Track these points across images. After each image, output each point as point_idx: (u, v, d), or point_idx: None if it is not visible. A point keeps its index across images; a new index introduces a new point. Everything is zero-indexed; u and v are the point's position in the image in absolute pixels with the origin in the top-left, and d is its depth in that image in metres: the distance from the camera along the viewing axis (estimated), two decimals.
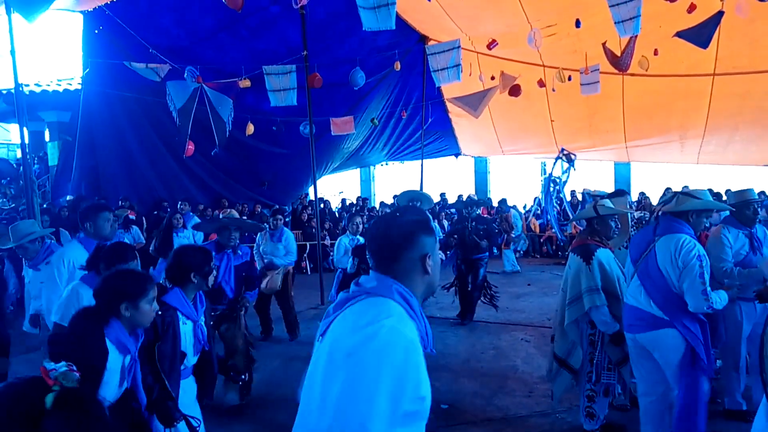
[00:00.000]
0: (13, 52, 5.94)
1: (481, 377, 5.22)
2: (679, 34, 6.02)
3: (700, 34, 5.86)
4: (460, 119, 12.96)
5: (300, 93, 8.72)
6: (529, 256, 13.81)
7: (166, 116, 9.44)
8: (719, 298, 3.18)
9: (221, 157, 10.85)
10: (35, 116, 12.72)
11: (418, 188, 10.68)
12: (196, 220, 8.80)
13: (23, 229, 4.43)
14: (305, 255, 11.93)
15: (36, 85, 12.75)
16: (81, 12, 9.17)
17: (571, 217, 11.13)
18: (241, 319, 4.78)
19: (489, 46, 9.06)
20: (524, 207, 15.61)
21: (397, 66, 9.61)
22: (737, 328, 4.04)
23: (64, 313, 2.84)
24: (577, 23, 7.47)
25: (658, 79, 9.19)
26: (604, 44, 7.08)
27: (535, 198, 14.99)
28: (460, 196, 15.77)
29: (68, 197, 10.78)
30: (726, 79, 8.98)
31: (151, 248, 7.60)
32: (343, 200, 17.21)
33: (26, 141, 6.54)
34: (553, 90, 9.43)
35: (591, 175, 15.26)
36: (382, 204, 16.50)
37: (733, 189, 4.28)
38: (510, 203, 13.91)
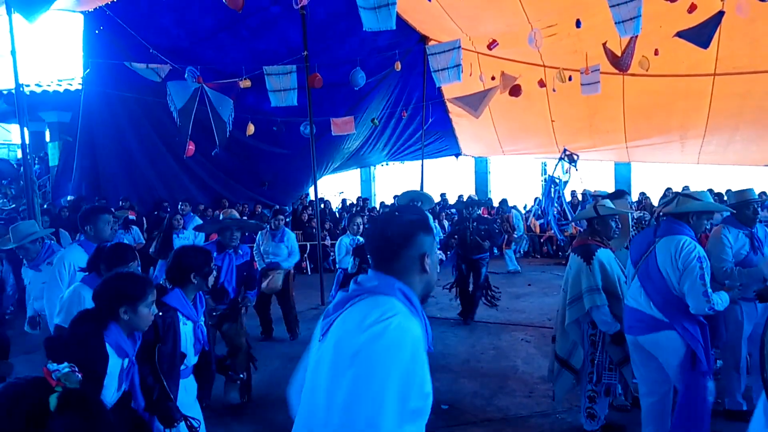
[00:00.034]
0: (13, 53, 5.94)
1: (481, 377, 5.22)
2: (679, 34, 6.01)
3: (701, 34, 5.85)
4: (460, 119, 12.96)
5: (300, 93, 8.73)
6: (529, 256, 13.81)
7: (166, 116, 9.44)
8: (720, 300, 3.17)
9: (222, 158, 10.86)
10: (36, 116, 12.74)
11: (419, 188, 10.68)
12: (198, 221, 8.80)
13: (24, 230, 4.43)
14: (305, 255, 11.93)
15: (36, 85, 12.76)
16: (81, 12, 9.18)
17: (570, 217, 11.13)
18: (242, 318, 4.80)
19: (489, 47, 9.06)
20: (524, 207, 15.61)
21: (398, 66, 9.61)
22: (738, 328, 4.04)
23: (66, 314, 2.84)
24: (578, 23, 7.47)
25: (659, 79, 9.19)
26: (604, 44, 7.08)
27: (536, 198, 14.99)
28: (460, 197, 15.77)
29: (69, 197, 10.79)
30: (726, 79, 8.98)
31: (151, 250, 7.60)
32: (344, 200, 17.21)
33: (27, 141, 6.55)
34: (554, 90, 9.43)
35: (591, 175, 15.26)
36: (382, 204, 16.51)
37: (734, 189, 4.28)
38: (510, 203, 13.92)
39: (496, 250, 8.64)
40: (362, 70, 9.19)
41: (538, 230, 14.15)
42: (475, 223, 7.43)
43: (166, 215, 9.37)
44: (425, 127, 11.18)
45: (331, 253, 12.34)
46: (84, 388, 1.22)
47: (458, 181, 18.35)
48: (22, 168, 7.39)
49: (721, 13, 5.70)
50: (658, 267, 3.30)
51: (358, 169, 18.38)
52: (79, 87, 10.75)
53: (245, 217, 9.81)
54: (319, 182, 9.64)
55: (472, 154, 16.33)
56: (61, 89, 12.80)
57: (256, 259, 6.59)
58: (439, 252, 7.70)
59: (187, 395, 2.88)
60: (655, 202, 11.90)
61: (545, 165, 14.73)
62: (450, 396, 4.72)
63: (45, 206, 10.10)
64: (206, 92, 9.21)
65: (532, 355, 5.85)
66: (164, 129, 10.18)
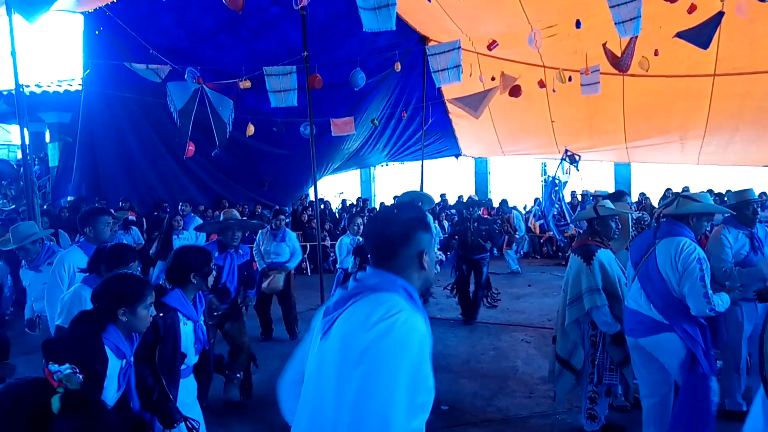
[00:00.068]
0: (13, 53, 5.93)
1: (481, 378, 5.22)
2: (679, 35, 6.01)
3: (701, 35, 5.85)
4: (460, 120, 12.95)
5: (300, 94, 8.72)
6: (529, 257, 13.81)
7: (166, 117, 9.43)
8: (721, 301, 3.17)
9: (222, 158, 10.85)
10: (36, 117, 12.75)
11: (419, 189, 10.68)
12: (198, 221, 8.81)
13: (24, 231, 4.43)
14: (305, 256, 11.92)
15: (36, 86, 12.77)
16: (81, 13, 9.18)
17: (568, 218, 11.13)
18: (243, 317, 4.82)
19: (489, 47, 9.06)
20: (524, 208, 15.61)
21: (398, 67, 9.61)
22: (738, 329, 4.04)
23: (67, 315, 2.85)
24: (578, 24, 7.46)
25: (659, 79, 9.19)
26: (604, 45, 7.08)
27: (536, 199, 15.00)
28: (460, 197, 15.77)
29: (69, 198, 10.79)
30: (726, 80, 8.97)
31: (151, 251, 7.60)
32: (344, 201, 17.21)
33: (27, 142, 6.54)
34: (554, 91, 9.43)
35: (591, 175, 15.26)
36: (382, 205, 16.50)
37: (734, 190, 4.29)
38: (510, 204, 13.93)
39: (495, 251, 8.65)
40: (362, 70, 9.18)
41: (537, 231, 14.15)
42: (475, 224, 7.43)
43: (165, 216, 9.37)
44: (425, 127, 11.17)
45: (331, 254, 12.34)
46: (87, 390, 1.22)
47: (458, 181, 18.36)
48: (22, 169, 7.39)
49: (720, 14, 5.70)
50: (658, 269, 3.30)
51: (358, 170, 18.38)
52: (79, 88, 10.75)
53: (245, 218, 9.80)
54: (319, 183, 9.62)
55: (472, 155, 16.32)
56: (61, 90, 12.80)
57: (255, 259, 6.59)
58: (438, 252, 7.71)
59: (188, 395, 2.88)
60: (655, 203, 11.91)
61: (545, 165, 14.73)
62: (450, 396, 4.72)
63: (45, 207, 10.09)
64: (206, 93, 9.20)
65: (532, 356, 5.85)
66: (164, 130, 10.18)
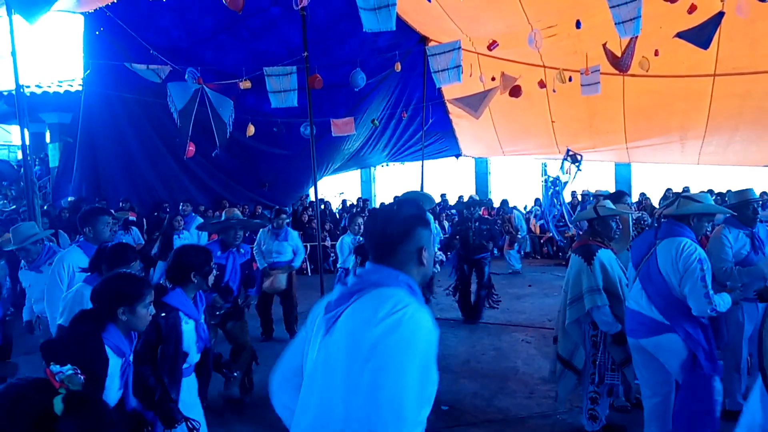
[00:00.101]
0: (14, 54, 5.93)
1: (481, 378, 5.22)
2: (679, 35, 6.01)
3: (701, 35, 5.85)
4: (460, 120, 12.95)
5: (300, 94, 8.71)
6: (529, 257, 13.81)
7: (166, 117, 9.44)
8: (722, 301, 3.17)
9: (222, 159, 10.85)
10: (36, 117, 12.75)
11: (419, 189, 10.67)
12: (200, 220, 8.83)
13: (24, 231, 4.42)
14: (305, 256, 11.92)
15: (37, 86, 12.78)
16: (82, 13, 9.18)
17: (568, 220, 11.13)
18: (245, 317, 4.83)
19: (489, 47, 9.06)
20: (524, 208, 15.61)
21: (398, 67, 9.61)
22: (739, 329, 4.04)
23: (69, 315, 2.85)
24: (578, 24, 7.46)
25: (659, 79, 9.19)
26: (604, 45, 7.08)
27: (536, 199, 14.99)
28: (460, 197, 15.77)
29: (69, 198, 10.79)
30: (726, 80, 8.97)
31: (153, 251, 7.60)
32: (344, 201, 17.20)
33: (27, 142, 6.54)
34: (554, 91, 9.43)
35: (592, 175, 15.25)
36: (382, 205, 16.49)
37: (734, 190, 4.29)
38: (511, 204, 13.93)
39: (496, 251, 8.65)
40: (362, 71, 9.19)
41: (538, 231, 14.15)
42: (477, 223, 7.44)
43: (165, 216, 9.38)
44: (425, 127, 11.17)
45: (332, 254, 12.33)
46: (89, 390, 1.22)
47: (458, 181, 18.35)
48: (22, 169, 7.39)
49: (721, 14, 5.70)
50: (659, 269, 3.30)
51: (359, 170, 18.37)
52: (80, 88, 10.75)
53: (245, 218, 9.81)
54: (319, 183, 9.62)
55: (473, 155, 16.32)
56: (61, 90, 12.81)
57: (256, 258, 6.60)
58: (439, 252, 7.71)
59: (190, 394, 2.89)
60: (656, 203, 11.91)
61: (545, 166, 14.71)
62: (450, 397, 4.72)
63: (45, 207, 10.10)
64: (206, 93, 9.20)
65: (532, 356, 5.85)
66: (164, 130, 10.18)
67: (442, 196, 16.30)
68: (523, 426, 4.25)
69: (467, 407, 4.57)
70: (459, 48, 8.63)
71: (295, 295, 6.73)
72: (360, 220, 6.61)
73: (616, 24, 6.06)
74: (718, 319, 3.68)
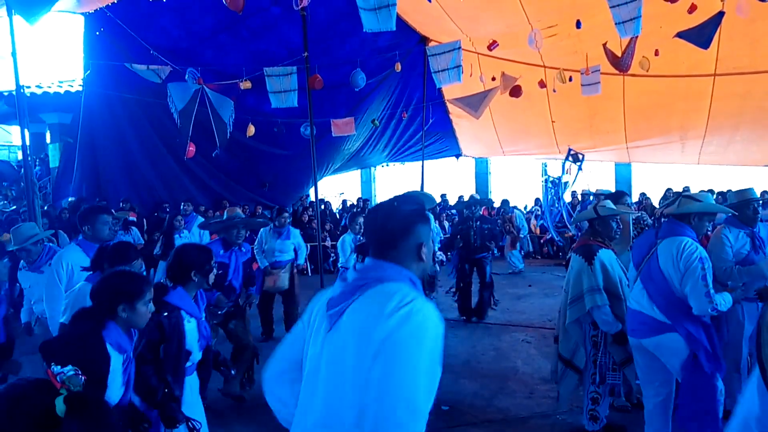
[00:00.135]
0: (14, 54, 5.93)
1: (481, 378, 5.22)
2: (679, 35, 6.01)
3: (701, 35, 5.85)
4: (460, 120, 12.95)
5: (301, 94, 8.72)
6: (530, 257, 13.81)
7: (167, 118, 9.44)
8: (723, 300, 3.17)
9: (222, 159, 10.85)
10: (36, 118, 12.77)
11: (419, 189, 10.66)
12: (201, 220, 8.84)
13: (25, 232, 4.42)
14: (306, 256, 11.92)
15: (37, 86, 12.80)
16: (82, 14, 9.18)
17: (567, 221, 11.14)
18: (247, 316, 4.85)
19: (489, 47, 9.06)
20: (525, 208, 15.60)
21: (398, 67, 9.60)
22: (739, 329, 4.04)
23: (71, 313, 2.85)
24: (578, 24, 7.46)
25: (659, 79, 9.18)
26: (604, 45, 7.07)
27: (536, 199, 15.00)
28: (460, 197, 15.76)
29: (69, 199, 10.79)
30: (727, 80, 8.97)
31: (156, 251, 7.62)
32: (344, 201, 17.21)
33: (27, 143, 6.54)
34: (554, 91, 9.42)
35: (592, 175, 15.26)
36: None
37: (734, 189, 4.28)
38: (511, 204, 13.93)
39: (496, 251, 8.65)
40: (362, 71, 9.18)
41: (538, 231, 14.15)
42: (478, 223, 7.44)
43: (166, 216, 9.38)
44: (425, 128, 11.17)
45: (332, 254, 12.33)
46: (88, 390, 1.22)
47: (459, 182, 18.35)
48: (22, 169, 7.39)
49: (721, 14, 5.70)
50: (660, 268, 3.30)
51: (359, 170, 18.38)
52: (80, 88, 10.75)
53: None
54: (319, 183, 9.63)
55: (473, 155, 16.32)
56: (61, 91, 12.83)
57: (258, 258, 6.61)
58: (439, 253, 7.71)
59: (191, 393, 2.89)
60: (656, 203, 11.91)
61: (545, 166, 14.73)
62: (450, 397, 4.72)
63: (45, 208, 10.10)
64: (207, 93, 9.20)
65: (532, 356, 5.85)
66: (165, 130, 10.18)
67: (443, 196, 16.29)
68: (524, 426, 4.25)
69: (467, 407, 4.57)
70: (459, 48, 8.63)
71: (297, 294, 6.73)
72: (361, 220, 6.61)
73: (616, 24, 6.06)
74: (719, 318, 3.68)
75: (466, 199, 11.73)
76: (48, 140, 13.96)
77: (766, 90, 8.91)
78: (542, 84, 9.53)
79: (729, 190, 5.10)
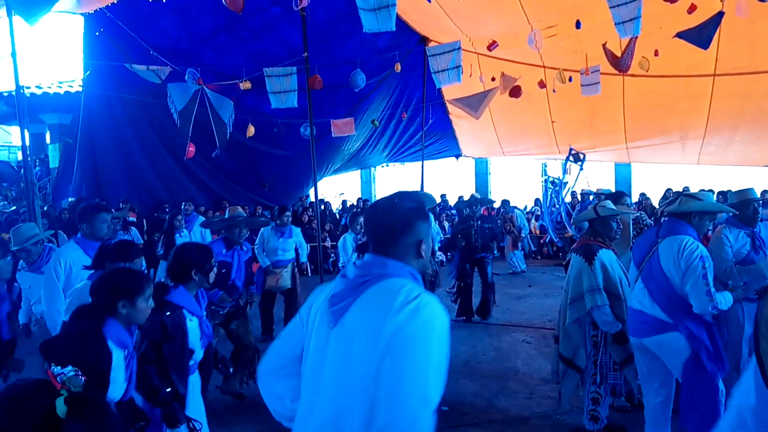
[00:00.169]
0: (14, 54, 5.93)
1: (481, 378, 5.22)
2: (679, 35, 6.01)
3: (701, 35, 5.85)
4: (460, 120, 12.95)
5: (301, 95, 8.72)
6: (530, 257, 13.80)
7: (166, 118, 9.44)
8: (724, 299, 3.17)
9: (222, 159, 10.86)
10: (36, 118, 12.76)
11: (419, 189, 10.66)
12: (202, 219, 8.86)
13: (25, 232, 4.42)
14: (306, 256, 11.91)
15: (37, 87, 12.79)
16: (82, 14, 9.18)
17: (566, 223, 11.14)
18: (248, 316, 4.86)
19: (489, 48, 9.06)
20: (525, 208, 15.60)
21: (398, 67, 9.61)
22: (739, 329, 4.04)
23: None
24: (578, 24, 7.46)
25: (659, 79, 9.19)
26: (604, 45, 7.08)
27: (536, 199, 15.00)
28: (460, 197, 15.76)
29: (69, 199, 10.79)
30: (726, 80, 8.97)
31: (159, 251, 7.63)
32: (344, 201, 17.21)
33: (27, 143, 6.54)
34: (554, 91, 9.43)
35: (592, 175, 15.26)
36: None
37: (734, 190, 4.29)
38: (511, 205, 13.93)
39: (496, 251, 8.66)
40: (362, 71, 9.19)
41: (538, 232, 14.15)
42: (479, 222, 7.44)
43: (165, 216, 9.38)
44: (425, 128, 11.18)
45: (332, 255, 12.33)
46: (89, 390, 1.22)
47: (459, 182, 18.35)
48: (22, 170, 7.39)
49: (720, 14, 5.70)
50: (661, 267, 3.30)
51: (359, 171, 18.38)
52: (80, 89, 10.75)
53: None
54: (319, 183, 9.63)
55: (473, 155, 16.32)
56: (61, 91, 12.82)
57: (259, 257, 6.61)
58: (439, 253, 7.71)
59: (193, 392, 2.90)
60: (656, 203, 11.90)
61: (545, 166, 14.75)
62: (450, 397, 4.71)
63: (45, 208, 10.10)
64: (206, 94, 9.21)
65: (532, 357, 5.85)
66: (165, 131, 10.18)
67: (443, 196, 16.29)
68: (524, 426, 4.25)
69: (467, 408, 4.57)
70: (459, 48, 8.63)
71: (299, 294, 6.74)
72: (361, 220, 6.62)
73: (616, 24, 6.06)
74: (718, 318, 3.68)
75: (466, 199, 11.75)
76: (48, 141, 13.96)
77: (766, 90, 8.91)
78: (542, 84, 9.54)
79: (729, 191, 5.10)
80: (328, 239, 12.30)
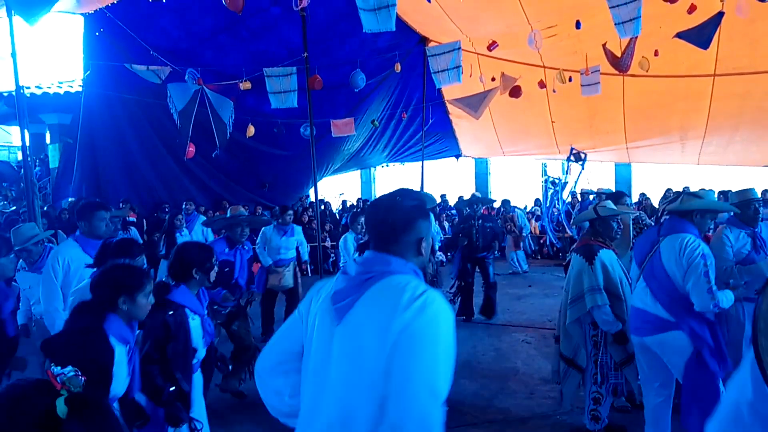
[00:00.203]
0: (14, 55, 5.93)
1: (481, 379, 5.22)
2: (679, 35, 6.01)
3: (701, 35, 5.85)
4: (460, 120, 12.95)
5: (300, 95, 8.71)
6: (530, 257, 13.81)
7: (166, 118, 9.43)
8: (725, 297, 3.17)
9: (222, 159, 10.85)
10: (36, 118, 12.76)
11: (419, 189, 10.66)
12: (203, 218, 8.87)
13: (26, 232, 4.42)
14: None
15: (37, 87, 12.79)
16: (82, 14, 9.18)
17: (565, 225, 11.13)
18: (249, 316, 4.87)
19: (489, 48, 9.06)
20: (524, 208, 15.61)
21: (398, 67, 9.61)
22: (739, 330, 4.04)
23: None
24: (578, 24, 7.46)
25: (659, 79, 9.19)
26: (604, 45, 7.08)
27: (536, 199, 15.00)
28: (460, 197, 15.77)
29: (69, 199, 10.79)
30: (726, 80, 8.97)
31: (162, 251, 7.63)
32: (344, 202, 17.22)
33: (27, 143, 6.53)
34: (554, 91, 9.42)
35: (592, 175, 15.26)
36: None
37: (734, 190, 4.29)
38: (512, 204, 13.94)
39: (497, 252, 8.67)
40: (362, 71, 9.19)
41: (537, 232, 14.15)
42: (480, 221, 7.44)
43: (165, 216, 9.38)
44: (425, 128, 11.17)
45: (332, 255, 12.33)
46: (91, 387, 1.21)
47: (458, 182, 18.35)
48: (22, 170, 7.39)
49: (720, 14, 5.70)
50: (662, 266, 3.29)
51: (359, 171, 18.38)
52: (80, 89, 10.74)
53: None
54: (319, 184, 9.62)
55: (473, 155, 16.32)
56: (61, 91, 12.82)
57: (260, 256, 6.62)
58: (439, 253, 7.71)
59: (195, 391, 2.90)
60: (656, 203, 11.90)
61: (545, 166, 14.75)
62: (450, 397, 4.64)
63: (45, 208, 10.10)
64: (206, 94, 9.20)
65: (532, 357, 5.85)
66: (165, 131, 10.18)
67: (443, 196, 16.29)
68: (524, 426, 4.25)
69: (468, 408, 4.57)
70: (459, 48, 8.63)
71: (300, 293, 6.74)
72: (362, 220, 6.62)
73: (615, 24, 6.06)
74: (719, 317, 3.68)
75: (466, 199, 11.75)
76: (48, 141, 13.96)
77: (766, 90, 8.91)
78: (542, 84, 9.54)
79: (729, 191, 5.11)
80: (328, 239, 12.29)
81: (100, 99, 9.77)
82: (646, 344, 3.41)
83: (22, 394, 1.13)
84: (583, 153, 10.44)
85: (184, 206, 9.43)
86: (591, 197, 10.91)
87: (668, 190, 12.53)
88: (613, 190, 7.89)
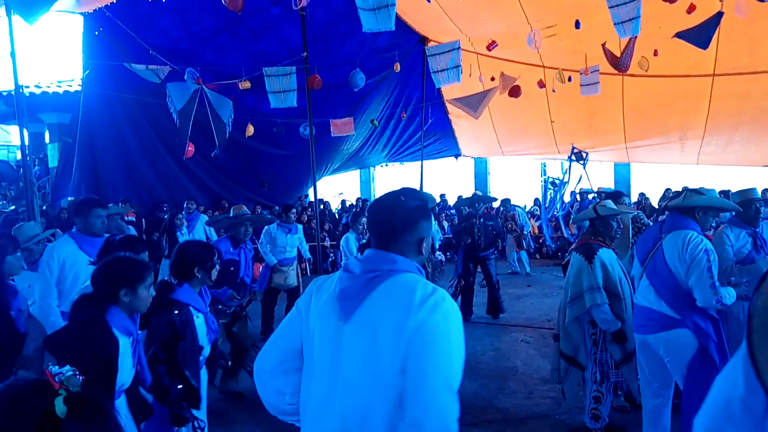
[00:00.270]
0: (13, 54, 5.92)
1: (481, 378, 5.22)
2: (678, 35, 6.02)
3: (700, 35, 5.86)
4: (460, 120, 12.96)
5: (300, 94, 8.71)
6: (530, 257, 13.79)
7: (166, 118, 9.43)
8: (728, 294, 3.16)
9: (221, 159, 10.85)
10: (35, 118, 12.74)
11: (419, 189, 10.63)
12: (205, 218, 8.88)
13: (27, 231, 4.42)
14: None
15: (36, 86, 12.76)
16: (81, 14, 9.17)
17: (563, 227, 11.13)
18: (249, 317, 4.89)
19: (489, 47, 9.06)
20: (524, 207, 15.61)
21: (397, 67, 9.60)
22: (740, 330, 4.03)
23: None
24: (577, 24, 7.47)
25: (658, 79, 9.19)
26: (603, 45, 7.08)
27: (535, 199, 15.00)
28: (460, 197, 15.77)
29: (69, 198, 10.79)
30: (726, 80, 8.98)
31: (165, 252, 7.65)
32: (343, 201, 17.21)
33: (26, 143, 6.53)
34: (553, 91, 9.43)
35: (591, 175, 15.26)
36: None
37: (734, 190, 4.29)
38: (512, 204, 13.94)
39: (497, 253, 8.67)
40: (362, 71, 9.18)
41: (537, 231, 14.15)
42: (482, 219, 7.44)
43: (164, 216, 9.37)
44: (425, 128, 11.17)
45: (331, 255, 12.33)
46: (89, 389, 1.21)
47: (458, 182, 18.35)
48: (21, 169, 7.38)
49: (720, 14, 5.70)
50: (665, 262, 3.29)
51: (358, 170, 18.38)
52: (79, 88, 10.73)
53: None
54: (318, 183, 9.62)
55: (472, 155, 16.33)
56: (60, 90, 12.80)
57: (264, 255, 6.62)
58: (439, 253, 7.70)
59: (201, 389, 2.91)
60: (655, 203, 11.91)
61: (545, 166, 14.75)
62: None
63: (44, 208, 10.09)
64: (206, 93, 9.20)
65: (531, 356, 5.85)
66: (164, 130, 10.17)
67: (442, 196, 16.29)
68: (523, 426, 4.25)
69: (467, 407, 4.56)
70: (458, 48, 8.63)
71: (301, 293, 6.76)
72: (363, 220, 6.61)
73: (615, 24, 6.06)
74: (720, 315, 3.67)
75: (467, 197, 11.74)
76: (47, 140, 13.94)
77: (765, 90, 8.92)
78: (541, 84, 9.54)
79: (729, 191, 5.11)
80: (327, 239, 12.29)
81: (99, 98, 9.76)
82: (648, 342, 3.40)
83: (21, 394, 1.13)
84: (585, 152, 10.43)
85: (185, 205, 9.43)
86: (591, 196, 10.90)
87: (667, 189, 12.52)
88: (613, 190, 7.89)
